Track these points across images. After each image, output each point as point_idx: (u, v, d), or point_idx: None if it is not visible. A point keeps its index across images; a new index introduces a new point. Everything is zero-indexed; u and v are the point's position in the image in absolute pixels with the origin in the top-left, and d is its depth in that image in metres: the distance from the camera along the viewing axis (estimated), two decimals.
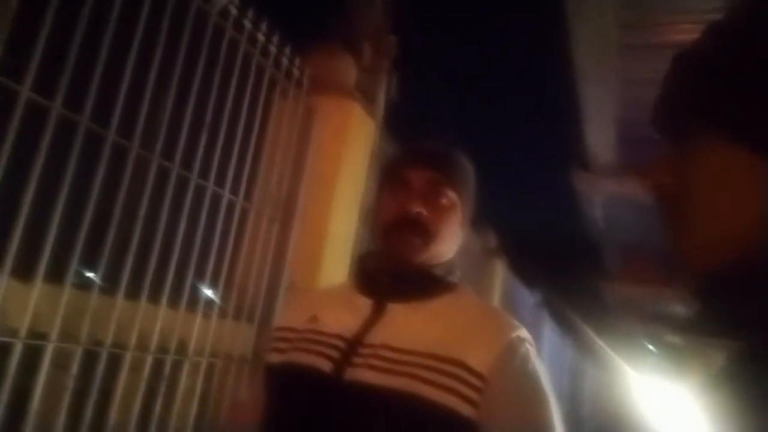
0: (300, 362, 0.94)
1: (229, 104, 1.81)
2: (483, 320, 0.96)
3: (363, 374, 0.88)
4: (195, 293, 1.77)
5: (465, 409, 0.84)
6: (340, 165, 2.09)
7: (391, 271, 0.98)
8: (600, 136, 5.16)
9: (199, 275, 1.77)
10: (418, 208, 0.96)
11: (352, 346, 0.92)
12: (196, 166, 1.71)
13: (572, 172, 6.10)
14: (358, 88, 2.23)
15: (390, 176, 1.04)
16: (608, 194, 6.10)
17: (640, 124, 5.05)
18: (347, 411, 0.87)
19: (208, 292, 1.83)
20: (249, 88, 1.88)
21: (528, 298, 6.65)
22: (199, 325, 1.73)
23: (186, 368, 1.67)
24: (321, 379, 0.90)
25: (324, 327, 0.98)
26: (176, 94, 1.62)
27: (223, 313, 1.83)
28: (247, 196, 1.92)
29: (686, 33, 3.89)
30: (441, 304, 0.97)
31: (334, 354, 0.92)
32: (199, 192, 1.72)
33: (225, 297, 1.85)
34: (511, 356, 0.89)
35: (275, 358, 1.00)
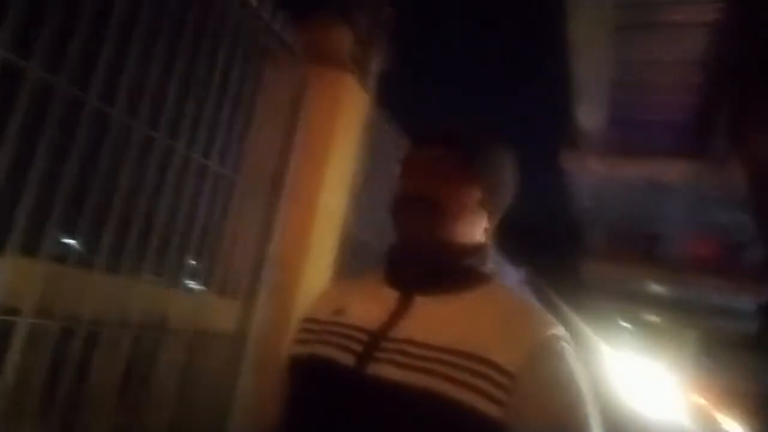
0: (322, 355, 0.92)
1: (218, 71, 1.72)
2: (516, 316, 0.90)
3: (385, 370, 0.84)
4: (178, 267, 1.71)
5: (491, 409, 0.79)
6: (332, 139, 2.02)
7: (419, 261, 0.94)
8: (591, 116, 5.13)
9: (183, 248, 1.71)
10: (421, 186, 0.93)
11: (376, 340, 0.89)
12: (182, 134, 1.64)
13: (561, 150, 6.10)
14: (353, 59, 2.15)
15: (402, 162, 1.00)
16: (596, 174, 6.13)
17: (631, 106, 5.04)
18: (368, 407, 0.84)
19: (191, 266, 1.77)
20: (240, 55, 1.79)
21: (513, 274, 6.69)
22: (181, 300, 1.68)
23: (167, 344, 1.62)
24: (343, 373, 0.88)
25: (348, 319, 0.95)
26: (162, 59, 1.53)
27: (206, 288, 1.78)
28: (235, 167, 1.85)
29: (681, 14, 3.85)
30: (472, 298, 0.92)
31: (357, 347, 0.89)
32: (185, 162, 1.65)
33: (209, 271, 1.80)
34: (544, 355, 0.84)
35: (299, 349, 0.98)
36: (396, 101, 2.44)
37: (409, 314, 0.91)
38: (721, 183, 4.80)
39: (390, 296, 0.94)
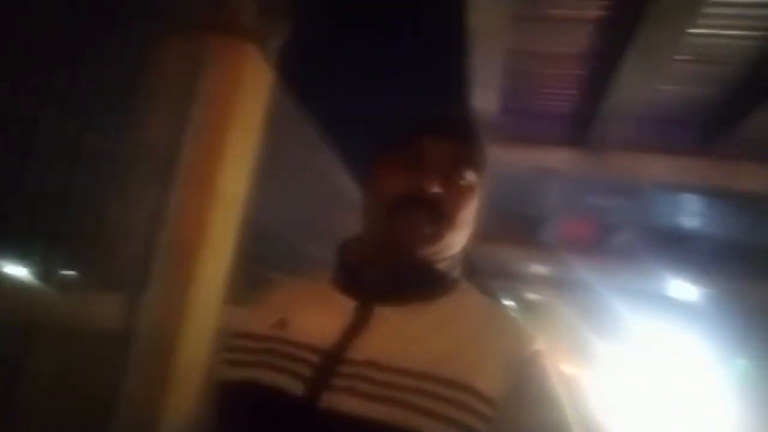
0: (262, 381, 0.73)
1: (102, 34, 1.49)
2: (493, 331, 0.77)
3: (344, 401, 0.68)
4: (49, 256, 1.48)
5: None
6: (232, 115, 1.84)
7: (384, 264, 0.79)
8: (484, 104, 5.27)
9: (56, 234, 1.48)
10: (436, 188, 0.77)
11: (330, 362, 0.72)
12: (55, 99, 1.40)
13: None
14: (256, 30, 1.97)
15: (397, 142, 0.83)
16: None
17: (524, 95, 5.25)
18: None
19: (66, 255, 1.54)
20: (133, 18, 1.57)
21: None
22: (54, 295, 1.45)
23: (38, 345, 1.40)
24: (289, 405, 0.70)
25: (294, 335, 0.76)
26: (34, 17, 1.29)
27: (85, 281, 1.56)
28: (123, 143, 1.63)
29: (576, 8, 4.03)
30: (441, 309, 0.78)
31: (307, 372, 0.72)
32: (60, 133, 1.42)
33: (89, 262, 1.57)
34: (528, 377, 0.72)
35: (230, 373, 0.78)
36: (300, 79, 2.30)
37: (370, 329, 0.75)
38: (596, 170, 5.14)
39: (344, 306, 0.78)
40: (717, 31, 3.81)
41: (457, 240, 0.81)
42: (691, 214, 5.12)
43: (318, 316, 0.79)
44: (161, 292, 1.69)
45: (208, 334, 1.74)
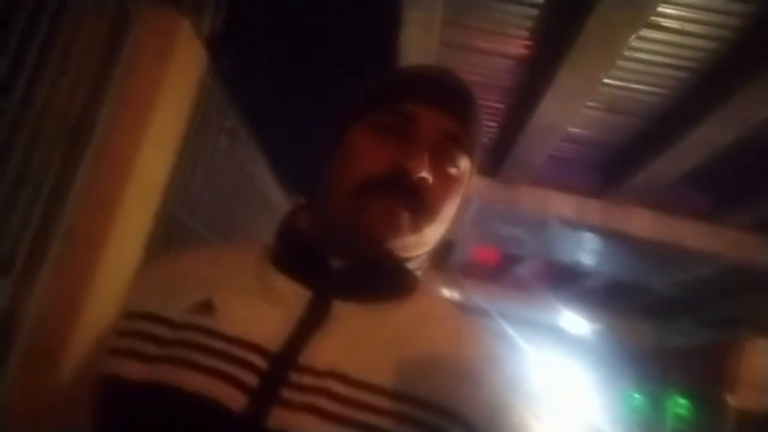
0: (183, 387, 0.54)
1: None
2: (469, 343, 0.64)
3: (302, 422, 0.53)
4: None
5: None
6: (159, 90, 1.65)
7: (349, 250, 0.63)
8: None
9: None
10: (425, 172, 0.61)
11: (281, 369, 0.55)
12: None
13: None
14: (188, 3, 1.82)
15: (380, 106, 0.66)
16: None
17: None
18: None
19: None
20: None
21: None
22: None
23: None
24: (224, 424, 0.53)
25: (227, 326, 0.58)
26: None
27: None
28: (23, 104, 1.40)
29: (502, 44, 4.18)
30: (408, 313, 0.64)
31: (249, 379, 0.54)
32: None
33: None
34: (510, 396, 0.61)
35: (132, 369, 0.57)
36: (231, 60, 2.14)
37: (328, 330, 0.59)
38: (506, 201, 5.33)
39: (292, 295, 0.61)
40: (627, 84, 4.11)
41: (433, 236, 0.67)
42: (588, 251, 5.43)
43: (257, 303, 0.60)
44: (56, 280, 1.45)
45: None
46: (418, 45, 4.21)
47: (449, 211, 0.67)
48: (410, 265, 0.67)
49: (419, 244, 0.66)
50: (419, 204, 0.63)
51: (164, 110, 1.72)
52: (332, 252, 0.63)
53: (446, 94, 0.66)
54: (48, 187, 1.51)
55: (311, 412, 0.53)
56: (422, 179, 0.61)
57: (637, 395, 7.12)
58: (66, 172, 1.53)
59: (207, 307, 0.59)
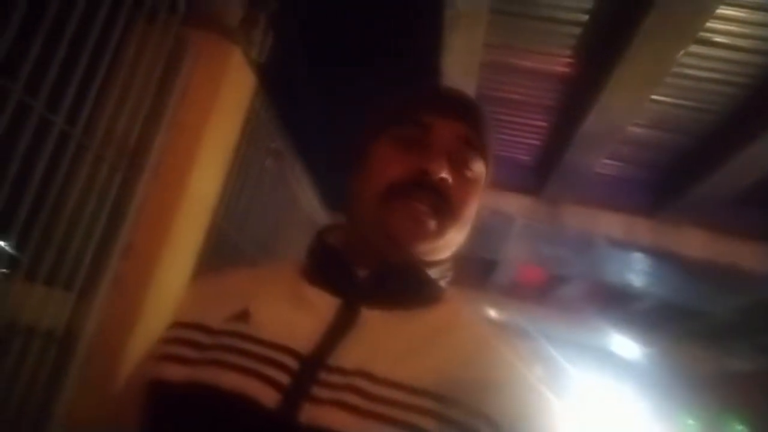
0: (221, 385, 0.58)
1: (78, 12, 1.38)
2: (493, 345, 0.67)
3: (330, 416, 0.56)
4: None
5: None
6: (210, 115, 1.75)
7: (375, 260, 0.68)
8: None
9: (3, 221, 1.33)
10: (445, 173, 0.67)
11: (311, 369, 0.59)
12: (23, 77, 1.28)
13: None
14: (242, 30, 1.91)
15: (399, 119, 0.72)
16: None
17: None
18: None
19: (12, 244, 1.39)
20: (107, 0, 1.47)
21: None
22: None
23: None
24: (258, 419, 0.56)
25: (261, 331, 0.63)
26: None
27: (31, 275, 1.41)
28: (87, 131, 1.51)
29: (545, 63, 4.17)
30: (434, 319, 0.68)
31: (282, 378, 0.58)
32: (22, 111, 1.29)
33: (37, 254, 1.42)
34: (535, 403, 0.64)
35: (173, 372, 0.62)
36: (278, 85, 2.23)
37: (356, 333, 0.63)
38: (551, 220, 5.26)
39: (323, 303, 0.66)
40: (676, 101, 4.02)
41: (457, 239, 0.72)
42: (638, 272, 5.28)
43: (289, 311, 0.65)
44: (114, 295, 1.54)
45: None
46: (460, 68, 4.25)
47: (470, 212, 0.72)
48: (435, 272, 0.71)
49: (444, 247, 0.71)
50: (442, 204, 0.68)
51: (215, 133, 1.81)
52: (359, 262, 0.69)
53: (458, 104, 0.74)
54: (108, 207, 1.61)
55: (340, 407, 0.57)
56: (443, 179, 0.67)
57: (692, 421, 6.82)
58: (124, 192, 1.62)
59: (243, 315, 0.65)
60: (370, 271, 0.68)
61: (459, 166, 0.71)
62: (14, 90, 1.24)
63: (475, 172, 0.72)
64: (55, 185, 1.42)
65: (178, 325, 0.69)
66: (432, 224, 0.68)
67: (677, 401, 6.54)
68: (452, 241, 0.72)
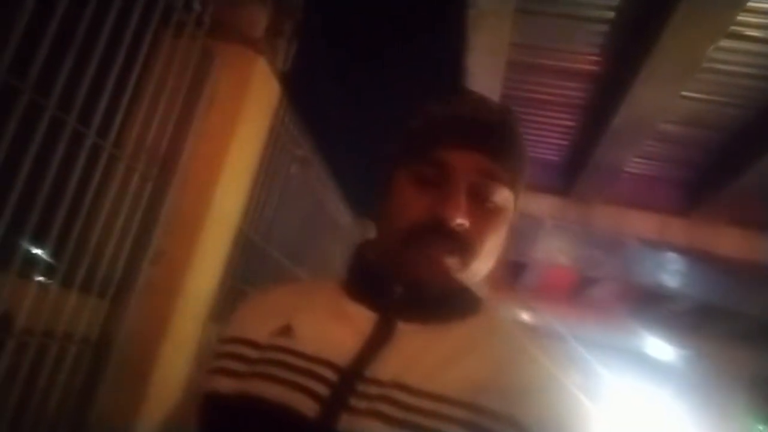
0: (266, 397, 0.63)
1: (108, 28, 1.43)
2: (528, 356, 0.67)
3: (367, 425, 0.59)
4: (32, 252, 1.38)
5: None
6: (236, 125, 1.79)
7: (408, 280, 0.68)
8: None
9: (41, 230, 1.38)
10: (461, 219, 0.65)
11: (349, 381, 0.62)
12: (56, 92, 1.33)
13: None
14: (266, 41, 1.95)
15: (415, 153, 0.69)
16: None
17: None
18: None
19: (49, 252, 1.44)
20: (136, 14, 1.52)
21: None
22: (32, 295, 1.35)
23: (9, 348, 1.29)
24: (301, 428, 0.60)
25: (303, 345, 0.66)
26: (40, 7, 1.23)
27: (67, 283, 1.46)
28: (118, 142, 1.55)
29: (572, 61, 4.13)
30: (469, 330, 0.69)
31: (322, 390, 0.62)
32: (55, 125, 1.34)
33: (73, 262, 1.47)
34: (570, 414, 0.64)
35: (224, 384, 0.67)
36: (303, 92, 2.26)
37: (393, 347, 0.65)
38: (581, 221, 5.18)
39: (362, 318, 0.68)
40: (708, 96, 3.93)
41: (483, 268, 0.71)
42: (672, 273, 5.16)
43: (330, 325, 0.69)
44: (145, 301, 1.59)
45: (190, 352, 1.64)
46: (486, 68, 4.23)
47: (494, 244, 0.70)
48: (469, 290, 0.71)
49: (470, 276, 0.69)
50: (461, 248, 0.66)
51: (241, 141, 1.85)
52: (395, 278, 0.69)
53: (478, 131, 0.68)
54: (139, 216, 1.65)
55: (376, 417, 0.59)
56: (459, 225, 0.65)
57: (762, 427, 6.61)
58: (154, 201, 1.67)
59: (287, 330, 0.69)
60: (405, 288, 0.68)
61: (480, 201, 0.67)
62: (47, 105, 1.28)
63: (498, 203, 0.68)
64: (88, 195, 1.46)
65: (229, 340, 0.73)
66: (452, 265, 0.67)
67: (731, 404, 6.35)
68: (478, 270, 0.70)
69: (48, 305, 1.39)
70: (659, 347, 6.35)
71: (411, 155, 0.70)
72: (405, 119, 0.77)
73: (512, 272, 5.79)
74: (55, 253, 1.45)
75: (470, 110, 0.71)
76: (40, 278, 1.44)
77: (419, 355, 0.65)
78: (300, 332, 0.68)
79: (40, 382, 1.36)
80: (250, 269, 2.06)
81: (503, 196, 0.68)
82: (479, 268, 0.70)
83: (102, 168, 1.49)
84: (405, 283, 0.68)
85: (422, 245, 0.66)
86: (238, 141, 1.81)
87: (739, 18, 3.02)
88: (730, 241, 4.81)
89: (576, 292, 5.84)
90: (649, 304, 5.84)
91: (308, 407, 0.61)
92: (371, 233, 0.78)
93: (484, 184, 0.67)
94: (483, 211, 0.67)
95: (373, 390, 0.61)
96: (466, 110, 0.71)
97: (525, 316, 5.88)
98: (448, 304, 0.69)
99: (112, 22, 1.42)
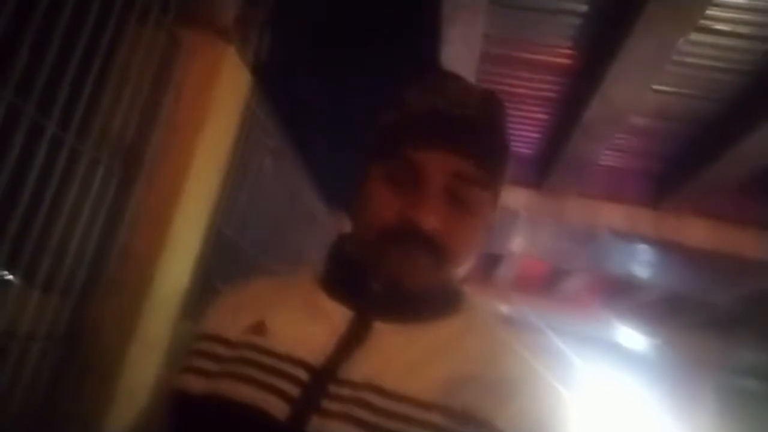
0: (236, 398, 0.60)
1: (68, 11, 1.36)
2: (505, 354, 0.65)
3: (337, 428, 0.57)
4: None
5: None
6: (206, 116, 1.73)
7: (387, 278, 0.65)
8: None
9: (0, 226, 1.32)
10: (432, 223, 0.61)
11: (321, 382, 0.60)
12: (13, 80, 1.26)
13: None
14: (236, 29, 1.89)
15: (388, 151, 0.66)
16: None
17: None
18: None
19: (7, 250, 1.37)
20: (97, 3, 1.45)
21: None
22: None
23: None
24: (270, 429, 0.58)
25: (275, 343, 0.63)
26: None
27: (27, 281, 1.39)
28: (81, 134, 1.49)
29: (544, 54, 4.14)
30: (447, 331, 0.66)
31: (293, 391, 0.59)
32: (13, 114, 1.27)
33: (34, 259, 1.41)
34: (546, 411, 0.62)
35: (193, 384, 0.64)
36: (272, 89, 2.21)
37: (368, 346, 0.63)
38: (554, 214, 5.23)
39: (336, 315, 0.65)
40: (678, 89, 3.99)
41: (461, 266, 0.68)
42: (642, 264, 5.25)
43: (304, 323, 0.66)
44: (112, 299, 1.53)
45: (161, 351, 1.58)
46: (459, 60, 4.21)
47: (471, 246, 0.67)
48: (449, 289, 0.69)
49: (446, 278, 0.67)
50: (435, 251, 0.63)
51: (211, 133, 1.79)
52: (373, 276, 0.66)
53: (454, 129, 0.64)
54: (104, 210, 1.59)
55: (348, 420, 0.57)
56: (433, 229, 0.62)
57: None
58: (121, 195, 1.61)
59: (260, 327, 0.66)
60: (383, 286, 0.65)
61: (456, 203, 0.64)
62: (4, 95, 1.22)
63: (474, 205, 0.65)
64: (49, 190, 1.40)
65: (201, 337, 0.70)
66: (427, 268, 0.64)
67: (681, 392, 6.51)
68: (454, 271, 0.68)
69: (9, 303, 1.33)
70: (630, 336, 6.47)
71: (384, 152, 0.67)
72: (379, 110, 0.72)
73: (487, 264, 5.82)
74: (16, 250, 1.38)
75: (447, 103, 0.66)
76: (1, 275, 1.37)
77: (395, 356, 0.62)
78: (273, 329, 0.65)
79: (2, 381, 1.30)
80: (223, 265, 2.01)
81: (480, 197, 0.65)
82: (455, 269, 0.67)
83: (64, 161, 1.43)
84: (383, 281, 0.65)
85: (396, 248, 0.63)
86: (208, 133, 1.76)
87: (709, 12, 3.06)
88: (698, 232, 4.91)
89: (550, 283, 5.91)
90: (621, 294, 5.93)
91: (278, 409, 0.58)
92: (347, 226, 0.75)
93: (460, 186, 0.64)
94: (458, 213, 0.64)
95: (346, 392, 0.59)
96: (441, 104, 0.66)
97: (501, 309, 5.94)
98: (426, 303, 0.66)
99: (73, 5, 1.36)
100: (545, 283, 5.89)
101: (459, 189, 0.64)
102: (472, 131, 0.65)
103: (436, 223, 0.62)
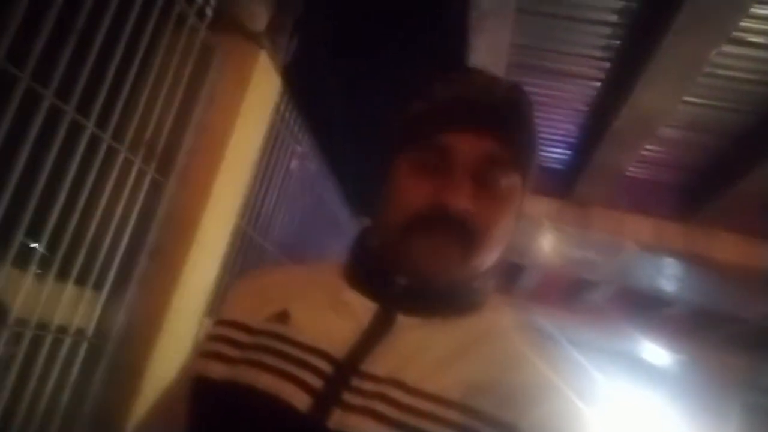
0: (257, 385, 0.59)
1: (107, 20, 1.41)
2: (529, 357, 0.63)
3: (360, 423, 0.56)
4: (27, 244, 1.37)
5: None
6: (236, 119, 1.77)
7: (412, 271, 0.64)
8: None
9: (37, 222, 1.37)
10: (465, 204, 0.61)
11: (344, 375, 0.59)
12: (54, 81, 1.31)
13: None
14: (268, 34, 1.93)
15: (416, 138, 0.65)
16: None
17: None
18: None
19: (45, 244, 1.42)
20: (137, 6, 1.50)
21: None
22: (27, 287, 1.33)
23: (3, 338, 1.27)
24: (289, 421, 0.57)
25: (299, 333, 0.63)
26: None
27: (62, 275, 1.44)
28: (117, 135, 1.54)
29: (574, 65, 4.12)
30: (470, 328, 0.65)
31: (315, 382, 0.59)
32: (54, 114, 1.32)
33: (69, 254, 1.46)
34: (568, 417, 0.61)
35: (213, 369, 0.64)
36: (304, 87, 2.25)
37: (392, 341, 0.62)
38: (579, 224, 5.18)
39: (361, 308, 0.65)
40: (709, 101, 3.93)
41: (490, 257, 0.66)
42: (668, 278, 5.16)
43: (327, 314, 0.65)
44: (141, 296, 1.57)
45: (187, 347, 1.62)
46: (486, 69, 4.23)
47: (502, 232, 0.66)
48: (475, 281, 0.67)
49: (475, 269, 0.66)
50: (466, 236, 0.62)
51: (241, 136, 1.83)
52: (398, 270, 0.65)
53: (482, 113, 0.64)
54: (137, 209, 1.64)
55: (369, 415, 0.56)
56: (465, 211, 0.61)
57: None
58: (153, 195, 1.66)
59: (282, 316, 0.65)
60: (408, 281, 0.65)
61: (486, 187, 0.63)
62: (46, 94, 1.27)
63: (505, 189, 0.64)
64: (86, 187, 1.45)
65: (221, 322, 0.70)
66: (456, 256, 0.63)
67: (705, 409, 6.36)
68: (484, 261, 0.66)
69: (43, 297, 1.37)
70: (655, 352, 6.35)
71: (411, 140, 0.66)
72: (404, 102, 0.71)
73: (509, 274, 5.77)
74: (52, 245, 1.43)
75: (474, 90, 0.66)
76: (36, 270, 1.42)
77: (418, 352, 0.61)
78: (296, 319, 0.64)
79: (34, 373, 1.34)
80: (247, 265, 2.05)
81: (510, 180, 0.65)
82: (486, 256, 0.66)
83: (100, 160, 1.48)
84: (408, 275, 0.65)
85: (425, 235, 0.62)
86: (237, 136, 1.80)
87: (742, 24, 3.01)
88: (728, 247, 4.81)
89: (573, 295, 5.84)
90: (646, 308, 5.83)
91: (300, 400, 0.58)
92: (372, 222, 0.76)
93: (490, 168, 0.63)
94: (489, 196, 0.63)
95: (369, 386, 0.58)
96: (469, 90, 0.66)
97: (524, 318, 5.87)
98: (451, 298, 0.66)
99: (113, 11, 1.41)
100: (568, 295, 5.82)
101: (489, 171, 0.63)
102: (500, 114, 0.65)
103: (468, 205, 0.61)
